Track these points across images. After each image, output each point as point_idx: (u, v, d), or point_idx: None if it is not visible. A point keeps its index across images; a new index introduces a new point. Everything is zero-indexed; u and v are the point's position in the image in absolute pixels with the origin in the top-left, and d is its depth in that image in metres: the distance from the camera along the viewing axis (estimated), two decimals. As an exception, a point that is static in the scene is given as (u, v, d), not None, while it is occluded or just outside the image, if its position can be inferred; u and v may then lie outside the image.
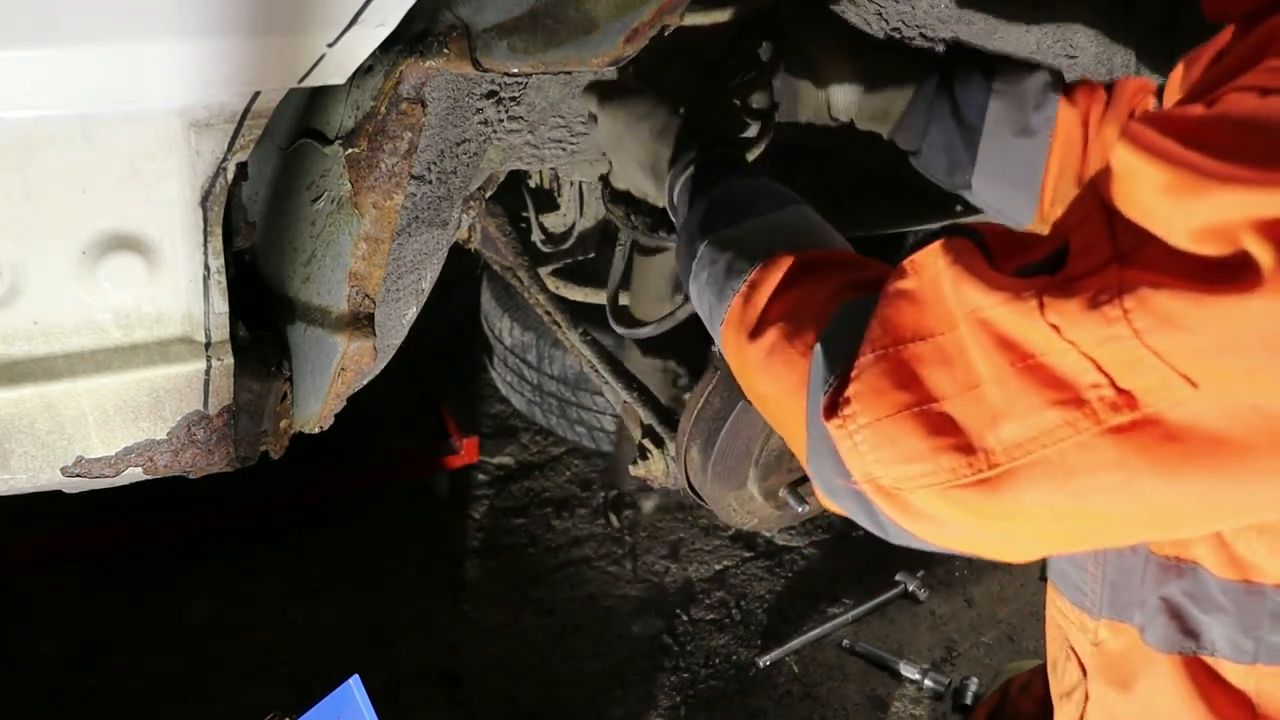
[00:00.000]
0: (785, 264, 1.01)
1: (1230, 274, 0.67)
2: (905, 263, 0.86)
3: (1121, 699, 1.04)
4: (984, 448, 0.77)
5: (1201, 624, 0.95)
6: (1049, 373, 0.73)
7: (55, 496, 1.46)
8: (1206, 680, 0.97)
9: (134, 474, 1.33)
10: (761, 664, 2.61)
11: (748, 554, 2.90)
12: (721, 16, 1.33)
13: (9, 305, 1.14)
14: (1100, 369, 0.72)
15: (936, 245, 0.84)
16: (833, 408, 0.86)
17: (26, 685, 2.42)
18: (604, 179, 1.47)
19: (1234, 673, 0.96)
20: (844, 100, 1.47)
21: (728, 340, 1.05)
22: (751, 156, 1.47)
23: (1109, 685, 1.05)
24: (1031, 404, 0.74)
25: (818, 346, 0.90)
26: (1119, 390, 0.71)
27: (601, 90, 1.40)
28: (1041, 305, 0.74)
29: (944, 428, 0.79)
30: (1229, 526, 0.88)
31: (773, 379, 0.98)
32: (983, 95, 1.38)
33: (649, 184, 1.35)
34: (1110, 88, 1.38)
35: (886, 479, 0.83)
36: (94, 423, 1.24)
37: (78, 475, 1.29)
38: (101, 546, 2.63)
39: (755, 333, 0.99)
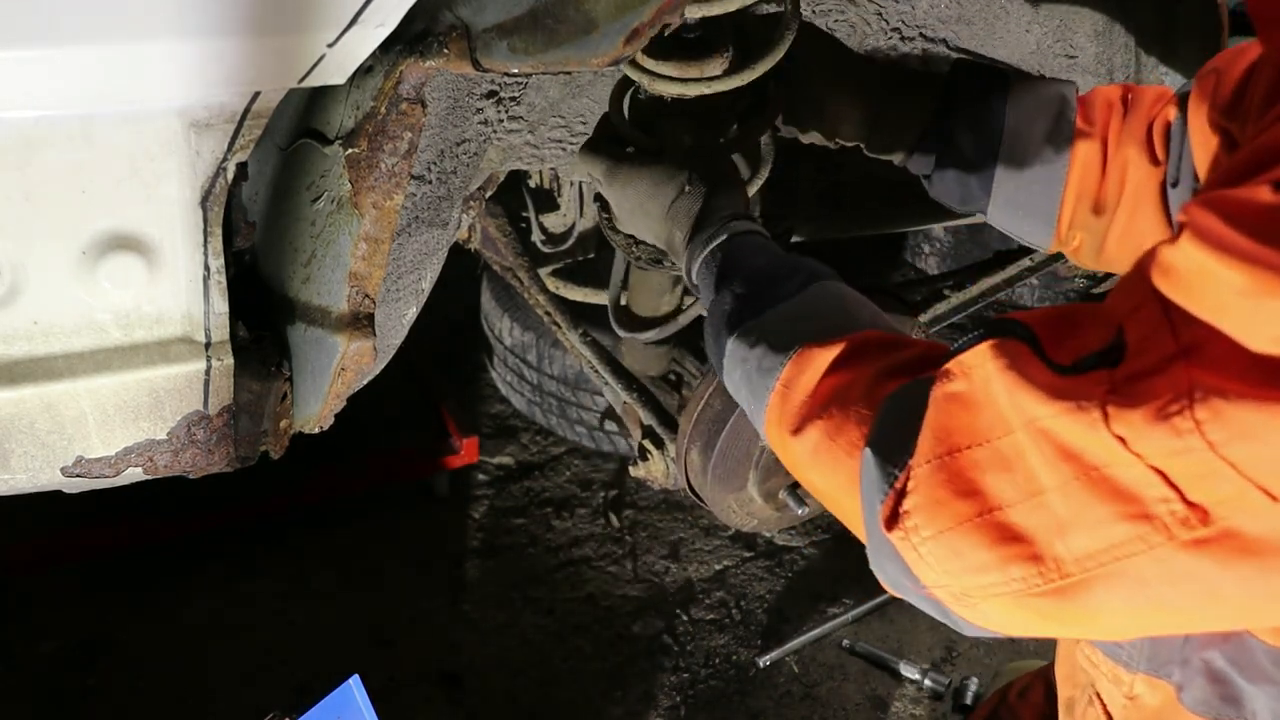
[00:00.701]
0: (814, 357, 0.98)
1: None
2: (952, 364, 0.84)
3: None
4: (1054, 556, 0.75)
5: (1244, 693, 0.92)
6: (1114, 485, 0.72)
7: (55, 496, 1.46)
8: None
9: (134, 474, 1.33)
10: (761, 664, 2.61)
11: (748, 554, 2.90)
12: (736, 82, 1.30)
13: (9, 305, 1.14)
14: (1169, 481, 0.70)
15: (985, 348, 0.82)
16: (893, 519, 0.84)
17: (26, 685, 2.42)
18: (605, 209, 1.41)
19: None
20: (851, 136, 1.42)
21: (771, 438, 1.03)
22: (751, 191, 1.43)
23: None
24: (1099, 516, 0.73)
25: (867, 451, 0.88)
26: (1189, 504, 0.70)
27: (605, 166, 1.32)
28: (1106, 416, 0.72)
29: (1010, 536, 0.77)
30: None
31: (822, 476, 0.96)
32: (995, 124, 1.33)
33: (663, 248, 1.31)
34: (1126, 100, 1.33)
35: (957, 587, 0.82)
36: (94, 423, 1.24)
37: (78, 475, 1.29)
38: (101, 546, 2.63)
39: (797, 430, 0.97)
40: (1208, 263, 0.69)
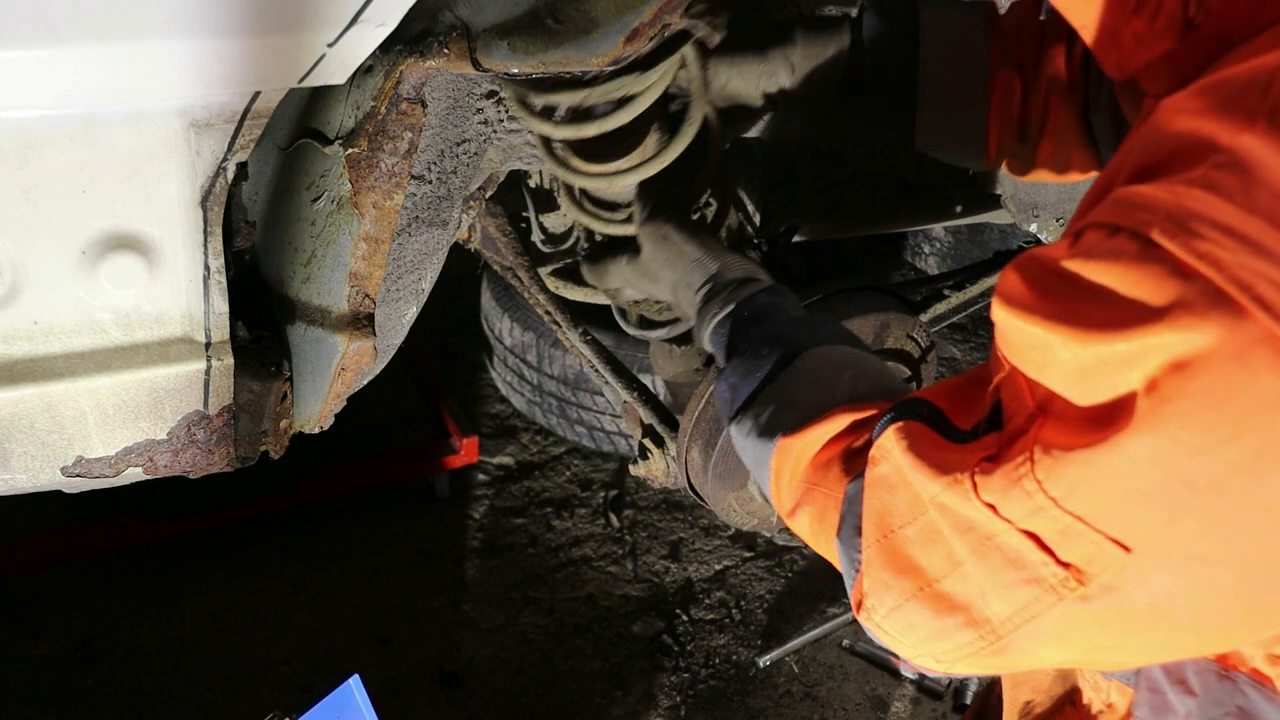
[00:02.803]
0: (792, 448, 1.04)
1: (1109, 416, 0.68)
2: (873, 449, 0.90)
3: None
4: (985, 619, 0.80)
5: (1173, 705, 0.95)
6: (1004, 553, 0.76)
7: (55, 496, 1.46)
8: None
9: (134, 474, 1.33)
10: (761, 664, 2.61)
11: (748, 554, 2.90)
12: (679, 148, 1.40)
13: (9, 305, 1.14)
14: (1041, 545, 0.74)
15: (893, 430, 0.87)
16: (859, 604, 0.90)
17: (26, 685, 2.42)
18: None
19: None
20: (779, 100, 1.45)
21: (781, 515, 1.09)
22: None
23: None
24: (1003, 582, 0.77)
25: (836, 542, 0.95)
26: (1064, 565, 0.74)
27: (656, 232, 1.42)
28: (975, 486, 0.77)
29: (949, 606, 0.82)
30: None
31: (824, 554, 1.02)
32: (908, 61, 1.34)
33: (671, 301, 1.41)
34: (1044, 24, 1.32)
35: (927, 655, 0.87)
36: (94, 423, 1.24)
37: (78, 475, 1.29)
38: (101, 546, 2.63)
39: (792, 515, 1.04)
40: (1010, 322, 0.74)
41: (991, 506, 0.76)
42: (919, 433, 0.86)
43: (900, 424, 0.87)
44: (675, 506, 3.02)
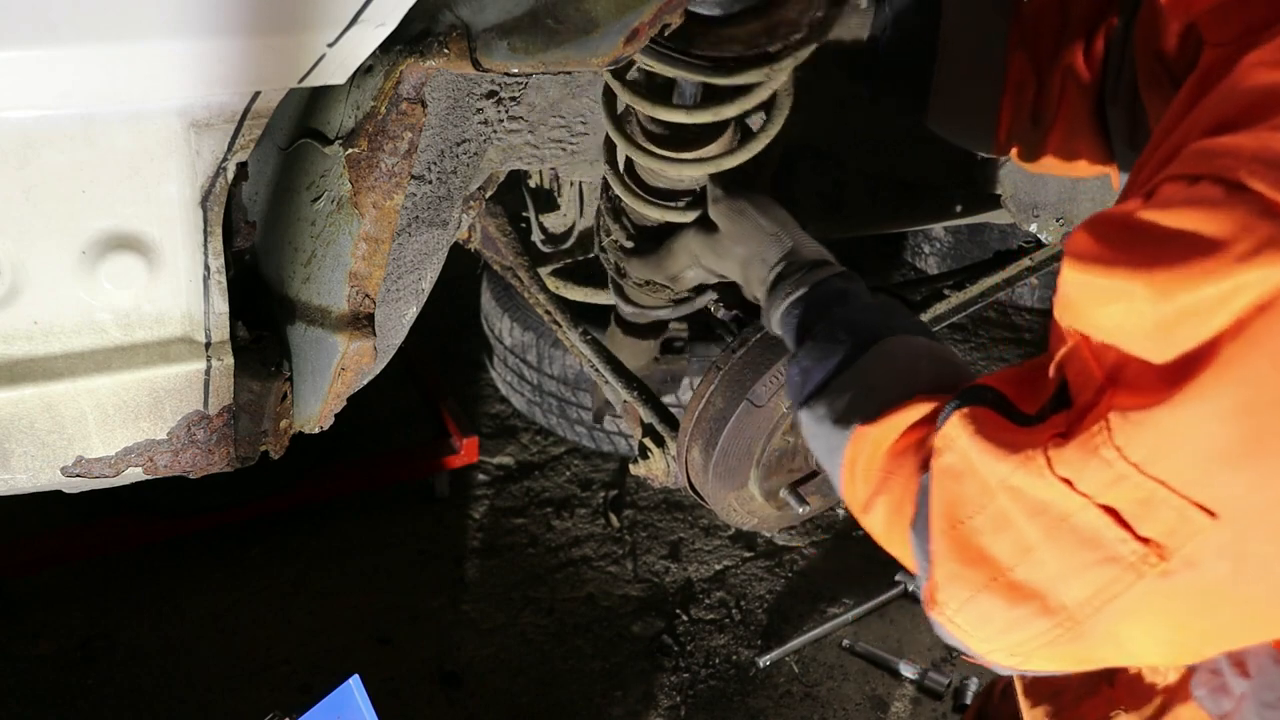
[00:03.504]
0: (869, 435, 1.00)
1: (1189, 368, 0.66)
2: (938, 438, 0.87)
3: None
4: (1061, 606, 0.78)
5: (1232, 688, 0.93)
6: (1080, 533, 0.74)
7: (55, 496, 1.46)
8: None
9: (134, 474, 1.33)
10: (761, 664, 2.61)
11: (748, 554, 2.90)
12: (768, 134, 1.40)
13: (9, 305, 1.14)
14: (1119, 520, 0.72)
15: (957, 417, 0.85)
16: (930, 600, 0.89)
17: (26, 685, 2.42)
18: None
19: None
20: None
21: (851, 507, 1.07)
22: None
23: None
24: (1080, 563, 0.75)
25: (910, 533, 0.93)
26: (1143, 540, 0.71)
27: (732, 207, 1.39)
28: (1049, 460, 0.75)
29: (1023, 594, 0.80)
30: None
31: (898, 551, 1.00)
32: (928, 38, 1.34)
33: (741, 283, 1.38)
34: (1064, 8, 1.31)
35: (1002, 649, 0.85)
36: (94, 423, 1.24)
37: (78, 475, 1.29)
38: (101, 546, 2.62)
39: (868, 507, 1.01)
40: (1083, 280, 0.72)
41: (1067, 481, 0.74)
42: (985, 417, 0.84)
43: (965, 410, 0.85)
44: (675, 506, 3.02)
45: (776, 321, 1.27)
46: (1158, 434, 0.68)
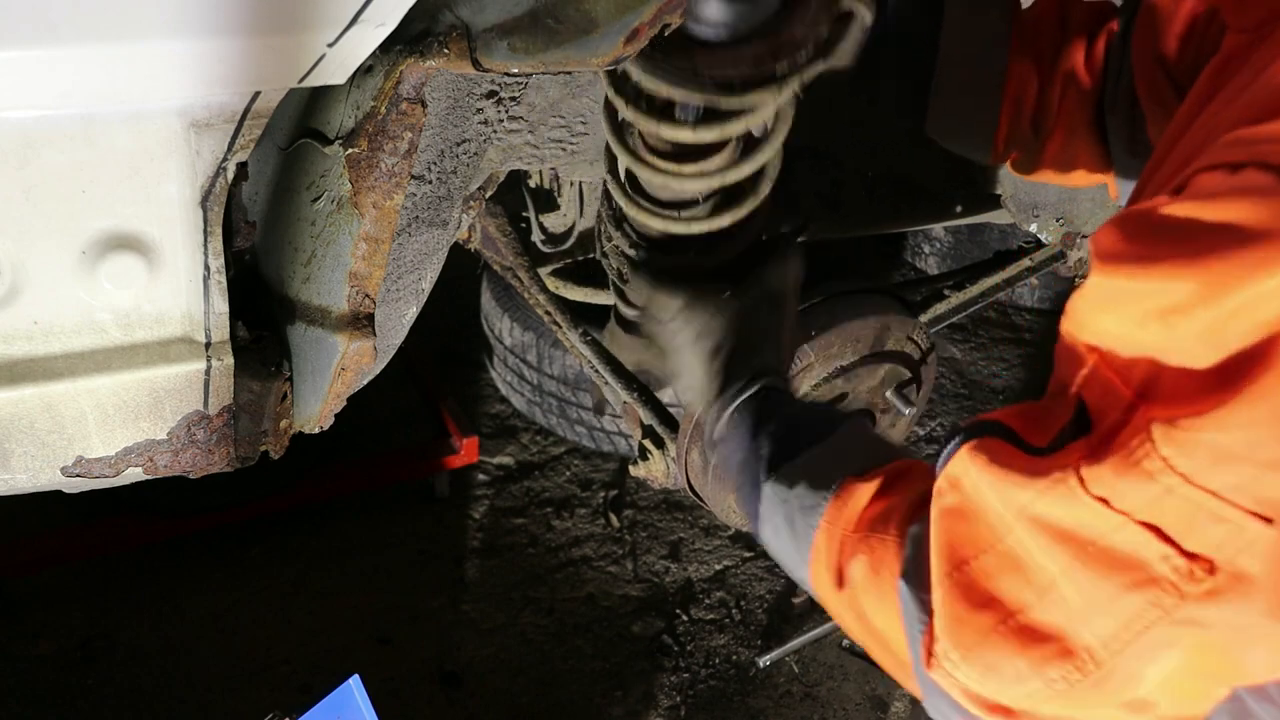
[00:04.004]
0: (856, 490, 0.96)
1: (1242, 369, 0.61)
2: (940, 479, 0.82)
3: None
4: (1084, 647, 0.73)
5: (1254, 714, 0.88)
6: (1113, 555, 0.69)
7: (55, 496, 1.46)
8: None
9: (134, 474, 1.33)
10: (761, 664, 2.61)
11: (748, 554, 2.90)
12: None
13: (9, 305, 1.14)
14: (1163, 536, 0.67)
15: (964, 452, 0.79)
16: (929, 655, 0.82)
17: (26, 685, 2.42)
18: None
19: None
20: None
21: (816, 579, 1.01)
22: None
23: None
24: (1109, 592, 0.70)
25: (901, 583, 0.86)
26: (1189, 556, 0.66)
27: (689, 293, 1.33)
28: (1082, 480, 0.69)
29: (1038, 638, 0.74)
30: None
31: (874, 609, 0.93)
32: (929, 45, 1.32)
33: (686, 391, 1.30)
34: (1065, 16, 1.30)
35: (1011, 703, 0.78)
36: (94, 423, 1.24)
37: (78, 475, 1.29)
38: (101, 546, 2.62)
39: (844, 565, 0.95)
40: (1117, 286, 0.68)
41: (1103, 500, 0.68)
42: (997, 448, 0.78)
43: (973, 443, 0.79)
44: (675, 506, 3.02)
45: (727, 418, 1.19)
46: (1211, 442, 0.63)
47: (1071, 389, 0.74)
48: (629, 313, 1.71)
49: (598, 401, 2.33)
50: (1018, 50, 1.30)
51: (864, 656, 2.64)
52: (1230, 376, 0.62)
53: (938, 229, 3.62)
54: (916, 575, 0.84)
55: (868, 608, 0.93)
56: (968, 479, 0.79)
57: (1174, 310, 0.64)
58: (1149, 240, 0.66)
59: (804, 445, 1.07)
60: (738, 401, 1.18)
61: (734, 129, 1.30)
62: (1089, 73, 1.27)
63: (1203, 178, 0.67)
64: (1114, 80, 1.24)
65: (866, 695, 2.57)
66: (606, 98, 1.38)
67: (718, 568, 2.86)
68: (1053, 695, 0.75)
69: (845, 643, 2.67)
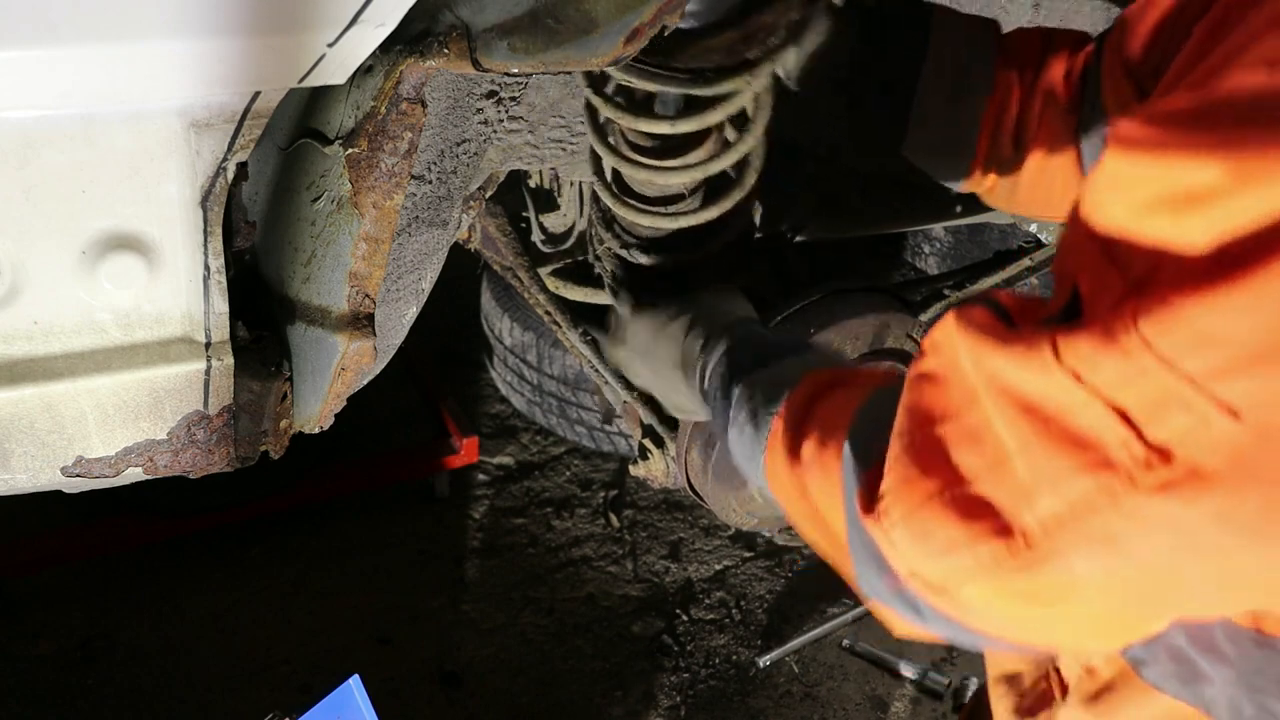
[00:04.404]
0: (816, 380, 1.00)
1: (1256, 250, 0.58)
2: (924, 343, 0.81)
3: None
4: (1021, 528, 0.70)
5: (1203, 675, 0.87)
6: (1073, 434, 0.67)
7: (55, 496, 1.46)
8: None
9: (134, 474, 1.33)
10: (761, 664, 2.61)
11: (748, 554, 2.90)
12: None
13: (9, 305, 1.14)
14: (1127, 420, 0.64)
15: (950, 318, 0.78)
16: (868, 504, 0.81)
17: (26, 685, 2.42)
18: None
19: None
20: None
21: (772, 470, 1.02)
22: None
23: (1086, 712, 0.99)
24: (1060, 472, 0.68)
25: (846, 444, 0.87)
26: (1150, 446, 0.64)
27: (633, 303, 1.47)
28: (1056, 350, 0.67)
29: (978, 512, 0.72)
30: None
31: (815, 489, 0.94)
32: (916, 54, 1.31)
33: (679, 381, 1.36)
34: (1046, 40, 1.29)
35: (933, 575, 0.77)
36: (94, 423, 1.24)
37: (78, 475, 1.29)
38: (101, 546, 2.63)
39: (797, 448, 0.96)
40: (1130, 168, 0.64)
41: (1075, 374, 0.66)
42: (984, 318, 0.76)
43: (959, 311, 0.78)
44: (675, 506, 3.02)
45: (712, 373, 1.26)
46: (1195, 323, 0.60)
47: (1070, 277, 0.72)
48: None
49: (606, 411, 2.33)
50: (1001, 65, 1.29)
51: (864, 656, 2.64)
52: (1230, 261, 0.59)
53: (938, 229, 3.62)
54: (864, 435, 0.85)
55: (812, 484, 0.93)
56: (948, 343, 0.77)
57: (1189, 199, 0.61)
58: (1172, 126, 0.63)
59: (774, 357, 1.13)
60: (718, 355, 1.24)
61: (713, 118, 1.31)
62: (1068, 90, 1.25)
63: (1236, 74, 0.63)
64: (1091, 100, 1.23)
65: (866, 695, 2.57)
66: (586, 99, 1.39)
67: (718, 568, 2.86)
68: (978, 572, 0.73)
69: (845, 643, 2.67)
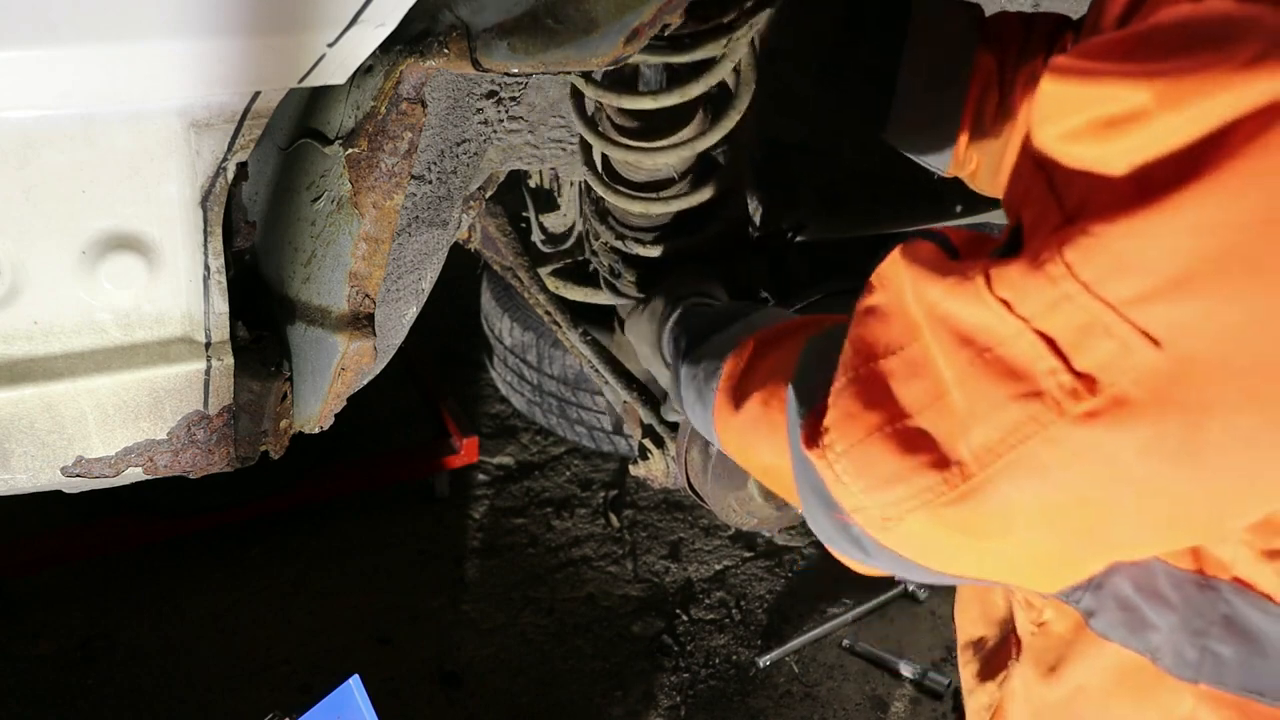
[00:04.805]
0: (751, 343, 1.05)
1: (1176, 176, 0.58)
2: (871, 278, 0.82)
3: (1045, 685, 0.98)
4: (957, 459, 0.71)
5: (1149, 622, 0.87)
6: (1006, 364, 0.67)
7: (55, 496, 1.46)
8: (1149, 679, 0.89)
9: (134, 474, 1.33)
10: (761, 664, 2.61)
11: (748, 554, 2.90)
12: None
13: (9, 305, 1.14)
14: (1055, 349, 0.65)
15: (896, 252, 0.79)
16: (812, 437, 0.81)
17: (26, 685, 2.42)
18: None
19: (1174, 690, 0.87)
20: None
21: (719, 427, 1.07)
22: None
23: (1037, 669, 0.99)
24: (993, 402, 0.68)
25: (789, 387, 0.88)
26: (1076, 374, 0.64)
27: (629, 294, 1.62)
28: (989, 279, 0.68)
29: (917, 444, 0.73)
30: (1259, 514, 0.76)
31: (763, 441, 0.96)
32: (895, 41, 1.32)
33: (655, 359, 1.48)
34: (1027, 23, 1.29)
35: (874, 509, 0.77)
36: (94, 423, 1.24)
37: (78, 475, 1.29)
38: (101, 546, 2.63)
39: (739, 407, 1.00)
40: (1063, 93, 0.64)
41: (1005, 303, 0.66)
42: (928, 251, 0.77)
43: (905, 245, 0.78)
44: (675, 506, 3.02)
45: (666, 338, 1.39)
46: (1115, 249, 0.61)
47: (1015, 209, 0.72)
48: (624, 309, 1.72)
49: (616, 421, 2.34)
50: (983, 46, 1.29)
51: (864, 656, 2.64)
52: (1150, 186, 0.59)
53: (938, 229, 3.62)
54: (807, 374, 0.87)
55: (757, 440, 0.98)
56: (894, 278, 0.78)
57: (1113, 123, 0.61)
58: (1101, 56, 0.63)
59: (713, 331, 1.19)
60: (669, 323, 1.36)
61: (695, 90, 1.31)
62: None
63: (1164, 9, 0.63)
64: None
65: (866, 695, 2.57)
66: (572, 87, 1.39)
67: (718, 568, 2.86)
68: (917, 505, 0.74)
69: (845, 643, 2.67)
